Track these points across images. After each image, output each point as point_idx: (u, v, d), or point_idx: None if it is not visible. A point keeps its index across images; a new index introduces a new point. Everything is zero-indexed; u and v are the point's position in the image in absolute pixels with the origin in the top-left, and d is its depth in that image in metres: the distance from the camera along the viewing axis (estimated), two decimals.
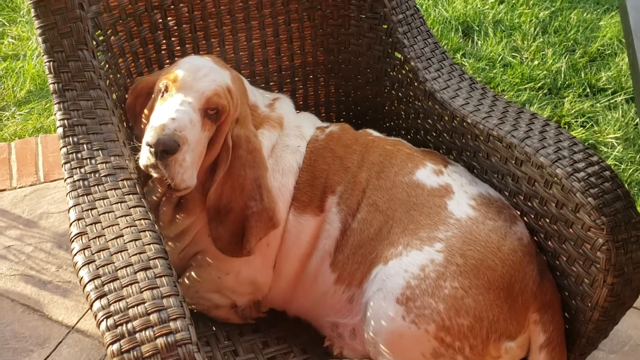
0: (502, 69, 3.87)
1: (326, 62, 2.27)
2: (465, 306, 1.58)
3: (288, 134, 1.91)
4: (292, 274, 1.84)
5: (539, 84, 3.77)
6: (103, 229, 1.40)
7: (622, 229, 1.52)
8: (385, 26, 2.11)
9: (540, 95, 3.71)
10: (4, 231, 2.73)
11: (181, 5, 2.01)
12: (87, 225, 1.41)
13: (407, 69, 2.06)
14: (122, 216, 1.43)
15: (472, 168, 1.93)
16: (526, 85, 3.75)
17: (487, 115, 1.84)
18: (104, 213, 1.44)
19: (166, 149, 1.57)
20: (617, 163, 3.31)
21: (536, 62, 3.90)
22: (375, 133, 2.02)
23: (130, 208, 1.46)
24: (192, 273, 1.86)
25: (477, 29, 4.17)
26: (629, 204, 1.56)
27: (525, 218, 1.79)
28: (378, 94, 2.24)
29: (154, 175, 1.66)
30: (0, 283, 2.51)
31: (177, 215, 1.80)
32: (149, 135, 1.59)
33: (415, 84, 2.03)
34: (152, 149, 1.58)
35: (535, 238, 1.77)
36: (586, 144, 3.39)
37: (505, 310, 1.61)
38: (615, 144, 3.40)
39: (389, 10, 2.08)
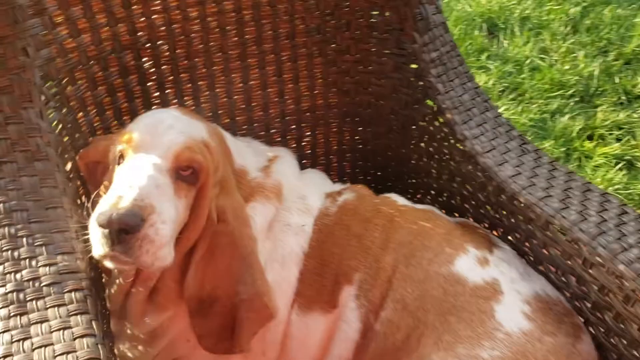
0: (529, 73, 3.56)
1: (340, 104, 1.87)
2: None
3: (289, 208, 1.56)
4: None
5: (570, 91, 3.44)
6: None
7: None
8: (415, 66, 1.69)
9: (571, 103, 3.40)
10: None
11: (159, 42, 1.60)
12: None
13: (442, 121, 1.66)
14: (63, 354, 1.09)
15: (522, 253, 1.54)
16: (556, 93, 3.43)
17: (546, 195, 1.45)
18: (40, 347, 1.10)
19: (124, 227, 1.17)
20: None
21: (567, 67, 3.58)
22: (402, 200, 1.64)
23: (75, 339, 1.11)
24: None
25: (503, 26, 3.86)
26: None
27: (591, 328, 1.42)
28: (403, 145, 1.84)
29: (112, 267, 1.27)
30: None
31: (147, 318, 1.42)
32: (98, 212, 1.19)
33: (452, 140, 1.63)
34: (105, 231, 1.17)
35: (604, 355, 1.40)
36: (623, 160, 3.07)
37: None
38: None
39: (419, 47, 1.65)
